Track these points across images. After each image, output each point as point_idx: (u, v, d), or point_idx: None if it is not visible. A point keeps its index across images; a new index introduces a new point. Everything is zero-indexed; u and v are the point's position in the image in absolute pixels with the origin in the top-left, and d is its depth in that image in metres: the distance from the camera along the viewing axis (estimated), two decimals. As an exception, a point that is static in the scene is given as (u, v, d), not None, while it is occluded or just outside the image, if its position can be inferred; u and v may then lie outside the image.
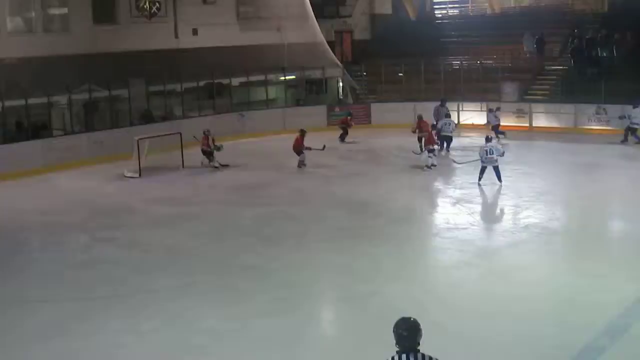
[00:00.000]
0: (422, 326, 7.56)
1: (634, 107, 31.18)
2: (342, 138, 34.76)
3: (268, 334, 13.37)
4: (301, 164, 28.34)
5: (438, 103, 33.95)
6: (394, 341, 7.52)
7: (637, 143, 30.92)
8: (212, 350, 12.97)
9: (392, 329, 7.57)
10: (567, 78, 37.98)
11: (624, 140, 31.20)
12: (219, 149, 29.05)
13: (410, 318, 7.62)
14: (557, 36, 41.14)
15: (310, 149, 28.37)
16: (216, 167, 28.78)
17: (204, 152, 29.08)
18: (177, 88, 35.66)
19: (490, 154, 24.42)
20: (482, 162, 24.61)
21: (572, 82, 37.20)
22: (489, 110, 34.28)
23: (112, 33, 34.27)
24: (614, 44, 37.95)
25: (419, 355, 7.48)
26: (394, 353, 7.50)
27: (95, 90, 32.32)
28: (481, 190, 24.25)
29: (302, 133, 28.62)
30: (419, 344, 7.52)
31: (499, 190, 24.11)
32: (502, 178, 24.53)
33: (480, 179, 24.72)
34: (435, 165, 27.69)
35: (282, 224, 21.24)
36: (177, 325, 13.90)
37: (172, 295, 15.43)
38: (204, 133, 29.11)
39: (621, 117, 31.90)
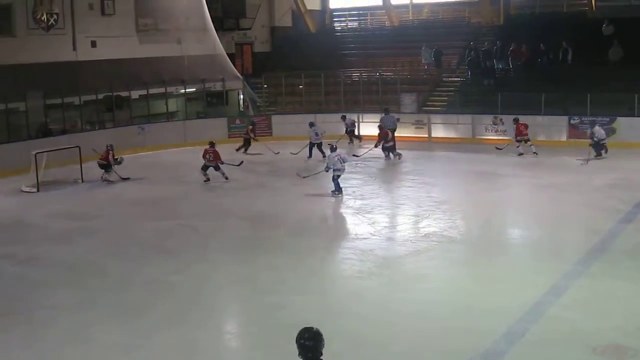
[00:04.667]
0: (324, 336, 7.57)
1: (593, 127, 30.65)
2: (244, 149, 34.84)
3: (172, 347, 13.26)
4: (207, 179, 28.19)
5: (382, 114, 34.83)
6: (297, 352, 7.53)
7: (596, 157, 30.05)
8: (114, 365, 12.85)
9: (294, 340, 7.57)
10: (464, 89, 38.69)
11: (598, 155, 30.04)
12: (119, 162, 28.81)
13: (312, 328, 7.60)
14: (454, 48, 41.91)
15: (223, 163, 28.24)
16: (111, 181, 28.52)
17: (101, 165, 28.81)
18: (75, 101, 35.20)
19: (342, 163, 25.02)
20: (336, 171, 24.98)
21: (469, 93, 37.95)
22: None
23: (9, 45, 33.58)
24: (509, 55, 38.80)
25: None
26: None
27: (-10, 103, 31.73)
28: (381, 201, 24.51)
29: (213, 144, 28.52)
30: (321, 353, 7.52)
31: (399, 200, 24.45)
32: (402, 187, 24.89)
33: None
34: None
35: (183, 236, 21.10)
36: (79, 341, 13.68)
37: (73, 312, 15.18)
38: (107, 147, 28.87)
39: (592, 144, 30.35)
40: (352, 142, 35.52)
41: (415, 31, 45.80)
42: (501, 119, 34.90)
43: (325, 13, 51.39)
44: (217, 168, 28.08)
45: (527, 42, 38.31)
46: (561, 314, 14.20)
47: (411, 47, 42.38)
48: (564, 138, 34.26)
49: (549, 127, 34.79)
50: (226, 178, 27.96)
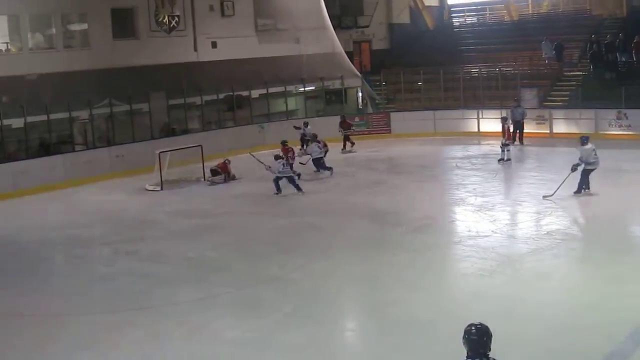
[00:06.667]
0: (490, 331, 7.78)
1: (585, 144, 23.16)
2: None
3: (292, 343, 13.39)
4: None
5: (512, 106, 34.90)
6: (465, 349, 7.71)
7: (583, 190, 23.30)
8: (237, 360, 13.04)
9: (462, 337, 7.75)
10: (586, 83, 37.87)
11: (582, 189, 23.28)
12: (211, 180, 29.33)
13: (479, 323, 7.77)
14: (575, 42, 41.11)
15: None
16: (216, 182, 28.98)
17: (213, 172, 29.27)
18: (197, 101, 35.85)
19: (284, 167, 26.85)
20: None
21: (592, 88, 37.08)
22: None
23: (132, 48, 34.49)
24: (633, 47, 37.82)
25: None
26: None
27: (116, 104, 32.56)
28: (502, 198, 24.24)
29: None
30: (490, 349, 7.68)
31: (520, 197, 24.12)
32: (523, 184, 24.64)
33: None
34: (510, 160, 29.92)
35: (304, 234, 21.29)
36: (202, 336, 13.95)
37: (196, 307, 15.49)
38: (224, 161, 29.63)
39: (574, 168, 23.03)
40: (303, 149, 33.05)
41: (535, 25, 45.14)
42: (625, 114, 34.05)
43: (443, 9, 51.11)
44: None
45: (652, 34, 37.32)
46: (690, 314, 13.81)
47: (531, 41, 41.80)
48: (690, 132, 33.21)
49: (675, 121, 33.84)
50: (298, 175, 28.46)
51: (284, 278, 17.22)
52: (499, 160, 29.95)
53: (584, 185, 23.05)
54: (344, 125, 35.40)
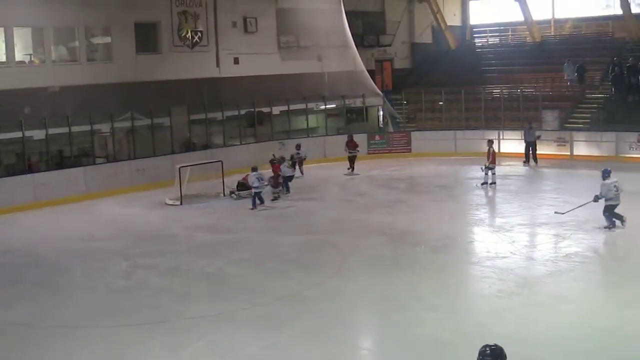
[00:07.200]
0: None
1: (603, 178, 22.00)
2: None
3: (307, 362, 13.40)
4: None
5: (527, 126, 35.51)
6: None
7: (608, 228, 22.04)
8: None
9: (476, 357, 7.69)
10: (607, 106, 37.78)
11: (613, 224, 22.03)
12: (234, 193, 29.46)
13: (493, 344, 7.73)
14: (597, 64, 41.02)
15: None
16: (242, 197, 28.90)
17: (239, 184, 29.37)
18: (218, 116, 35.97)
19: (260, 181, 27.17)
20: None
21: (613, 110, 37.02)
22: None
23: (155, 62, 34.63)
24: (655, 71, 37.68)
25: None
26: None
27: (137, 118, 32.73)
28: (521, 219, 24.15)
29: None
30: None
31: (539, 219, 24.01)
32: (543, 205, 24.55)
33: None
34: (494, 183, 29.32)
35: (322, 251, 21.26)
36: (217, 351, 13.96)
37: (212, 322, 15.49)
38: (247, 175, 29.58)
39: (595, 199, 22.10)
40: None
41: (557, 47, 45.17)
42: (647, 138, 33.97)
43: (465, 29, 51.22)
44: (275, 186, 29.01)
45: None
46: None
47: (553, 62, 41.79)
48: None
49: (698, 146, 33.70)
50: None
51: (301, 295, 17.22)
52: (482, 184, 29.65)
53: (613, 220, 21.96)
54: (350, 145, 35.12)
